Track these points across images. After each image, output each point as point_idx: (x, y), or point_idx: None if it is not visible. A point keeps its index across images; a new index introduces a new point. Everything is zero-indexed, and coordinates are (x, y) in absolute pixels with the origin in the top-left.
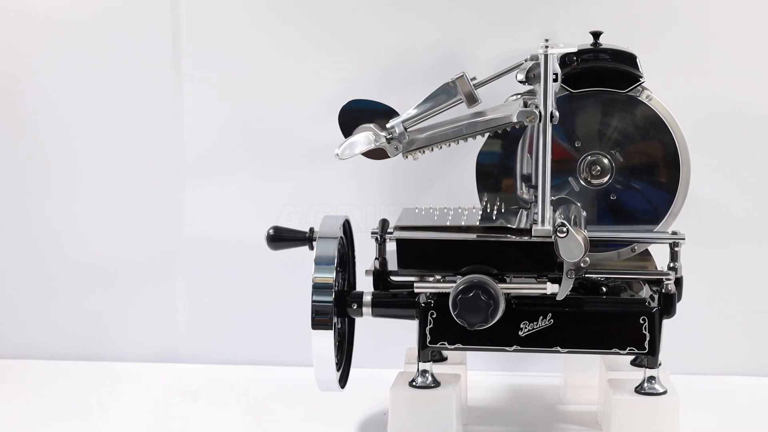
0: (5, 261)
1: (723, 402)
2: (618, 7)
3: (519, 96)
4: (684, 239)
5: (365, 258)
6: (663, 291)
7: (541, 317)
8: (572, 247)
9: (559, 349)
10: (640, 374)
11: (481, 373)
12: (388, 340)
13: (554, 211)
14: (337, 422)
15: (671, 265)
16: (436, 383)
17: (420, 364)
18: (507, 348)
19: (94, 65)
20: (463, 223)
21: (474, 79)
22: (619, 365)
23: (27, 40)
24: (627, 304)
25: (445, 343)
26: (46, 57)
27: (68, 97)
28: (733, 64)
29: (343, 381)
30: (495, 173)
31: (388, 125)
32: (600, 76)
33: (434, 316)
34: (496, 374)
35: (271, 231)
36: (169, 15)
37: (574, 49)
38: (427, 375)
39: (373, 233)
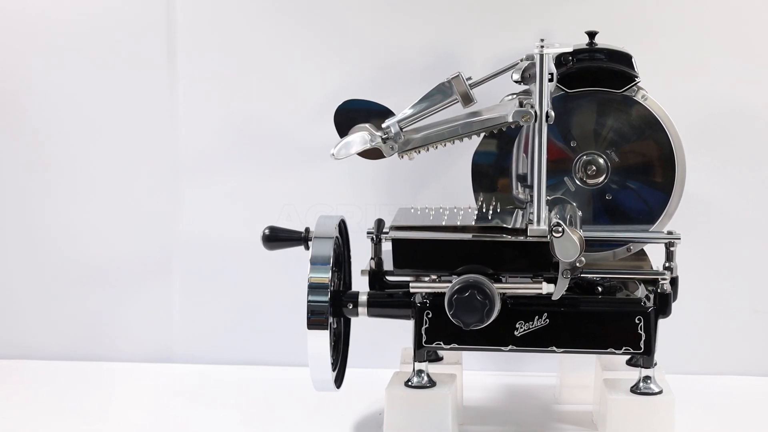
0: (0, 261)
1: (718, 402)
2: (613, 7)
3: (515, 96)
4: (679, 239)
5: (361, 258)
6: (658, 291)
7: (537, 317)
8: (568, 247)
9: (554, 348)
10: (635, 374)
11: (477, 373)
12: (383, 340)
13: (550, 210)
14: (332, 422)
15: (667, 264)
16: (431, 383)
17: (416, 363)
18: (503, 348)
19: (89, 65)
20: (458, 223)
21: (470, 78)
22: (615, 365)
23: (23, 39)
24: (622, 303)
25: (441, 342)
26: (42, 57)
27: (64, 97)
28: (728, 64)
29: (338, 381)
30: (491, 173)
31: (383, 125)
32: (595, 75)
33: (430, 315)
34: (492, 374)
35: (266, 231)
36: (164, 15)
37: (570, 49)
38: (422, 375)
39: (368, 233)
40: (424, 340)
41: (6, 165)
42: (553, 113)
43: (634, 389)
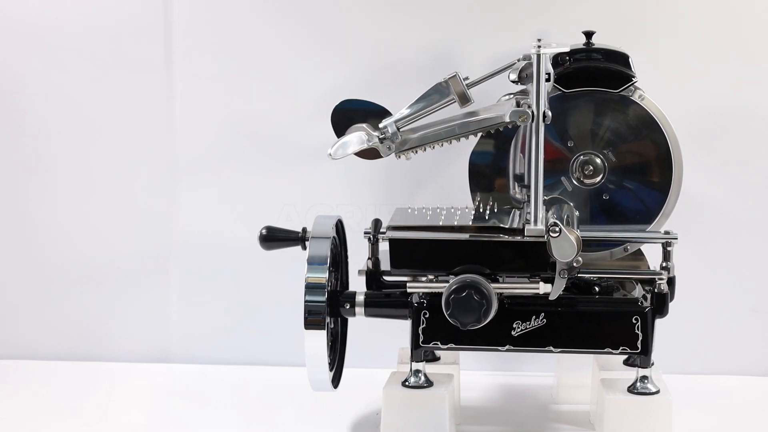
0: None
1: (716, 401)
2: (610, 6)
3: (512, 96)
4: (676, 239)
5: (358, 258)
6: (655, 290)
7: (534, 317)
8: (565, 247)
9: (551, 348)
10: (632, 374)
11: (474, 373)
12: (380, 340)
13: (547, 210)
14: (329, 422)
15: (664, 264)
16: (428, 383)
17: (413, 363)
18: (500, 348)
19: (87, 65)
20: (455, 223)
21: (467, 78)
22: (612, 365)
23: (21, 40)
24: (619, 303)
25: (438, 342)
26: (39, 57)
27: (61, 98)
28: (725, 64)
29: (335, 381)
30: (488, 173)
31: (380, 125)
32: (592, 75)
33: (427, 315)
34: (489, 374)
35: (263, 231)
36: (161, 15)
37: (567, 49)
38: (419, 375)
39: (365, 233)
40: (421, 340)
41: (3, 165)
42: (550, 113)
43: (632, 389)
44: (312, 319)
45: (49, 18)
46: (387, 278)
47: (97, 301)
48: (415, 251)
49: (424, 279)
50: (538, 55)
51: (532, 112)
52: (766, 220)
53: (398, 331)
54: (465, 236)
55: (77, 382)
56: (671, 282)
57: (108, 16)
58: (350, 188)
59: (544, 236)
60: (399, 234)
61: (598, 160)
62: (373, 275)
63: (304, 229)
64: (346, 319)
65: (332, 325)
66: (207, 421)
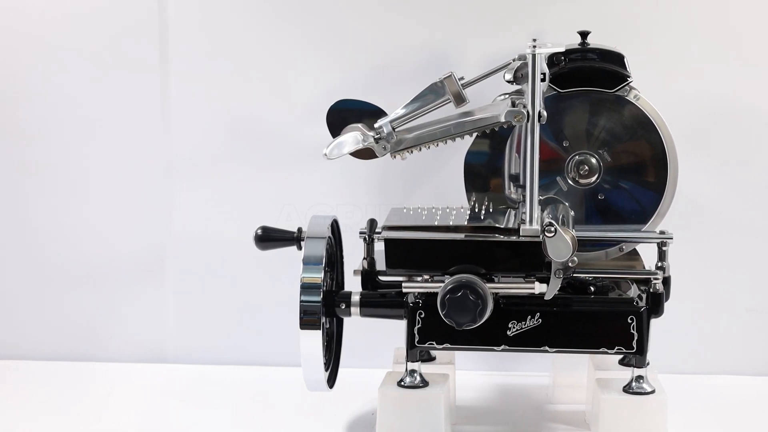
0: None
1: (711, 401)
2: (606, 6)
3: (507, 96)
4: (672, 239)
5: (354, 258)
6: (651, 290)
7: (530, 317)
8: (560, 247)
9: (547, 348)
10: (628, 373)
11: (470, 373)
12: (376, 340)
13: (542, 210)
14: (325, 422)
15: (659, 264)
16: (424, 383)
17: (408, 363)
18: (495, 348)
19: (82, 65)
20: (451, 223)
21: (462, 78)
22: (608, 365)
23: (17, 39)
24: (615, 303)
25: (434, 342)
26: (34, 57)
27: (56, 98)
28: (721, 64)
29: (331, 381)
30: (483, 173)
31: (376, 125)
32: (588, 75)
33: (422, 315)
34: (485, 374)
35: (259, 231)
36: (156, 15)
37: (562, 49)
38: (415, 375)
39: (361, 233)
40: (416, 340)
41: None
42: (545, 113)
43: (627, 389)
44: (307, 319)
45: (44, 18)
46: (382, 278)
47: (93, 302)
48: (410, 251)
49: (419, 279)
50: (534, 55)
51: (528, 112)
52: (762, 219)
53: (394, 331)
54: (460, 236)
55: (73, 382)
56: (666, 282)
57: (103, 16)
58: (346, 188)
59: (539, 236)
60: (394, 234)
61: (594, 160)
62: (368, 275)
63: (300, 229)
64: (342, 319)
65: (328, 325)
66: (203, 421)
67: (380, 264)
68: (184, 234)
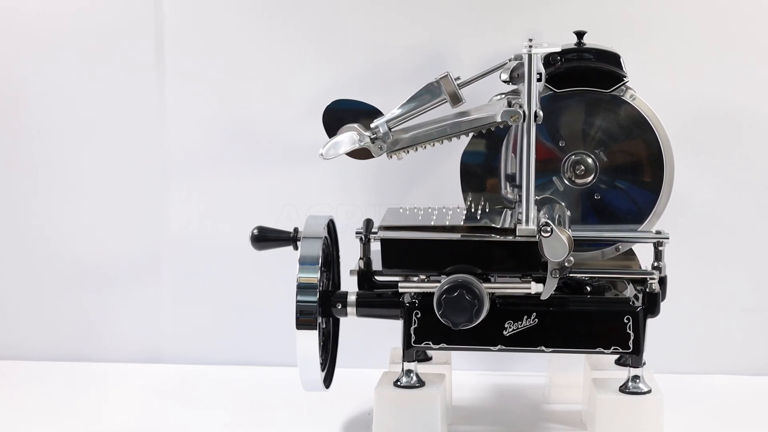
0: None
1: (707, 401)
2: (602, 6)
3: (503, 96)
4: (668, 239)
5: (350, 258)
6: (647, 290)
7: (526, 317)
8: (556, 247)
9: (543, 348)
10: (624, 373)
11: (466, 373)
12: (372, 340)
13: (538, 210)
14: (321, 422)
15: (655, 264)
16: (420, 383)
17: (405, 363)
18: (492, 348)
19: (77, 65)
20: (447, 223)
21: (458, 78)
22: (604, 364)
23: (14, 39)
24: (611, 303)
25: (430, 342)
26: (29, 56)
27: (51, 98)
28: (716, 64)
29: (327, 381)
30: (479, 173)
31: (372, 125)
32: (584, 75)
33: (419, 315)
34: (481, 374)
35: (255, 231)
36: (152, 16)
37: (558, 49)
38: (411, 375)
39: (357, 233)
40: (413, 339)
41: None
42: (541, 113)
43: (623, 389)
44: (304, 319)
45: (39, 17)
46: (379, 278)
47: (88, 302)
48: (406, 251)
49: (415, 279)
50: (530, 55)
51: (524, 111)
52: (757, 219)
53: (390, 331)
54: (456, 236)
55: (69, 382)
56: (663, 282)
57: (98, 17)
58: (342, 188)
59: (535, 236)
60: (391, 234)
61: (590, 160)
62: (364, 275)
63: (296, 229)
64: (338, 319)
65: (324, 325)
66: (198, 422)
67: (376, 264)
68: (179, 234)
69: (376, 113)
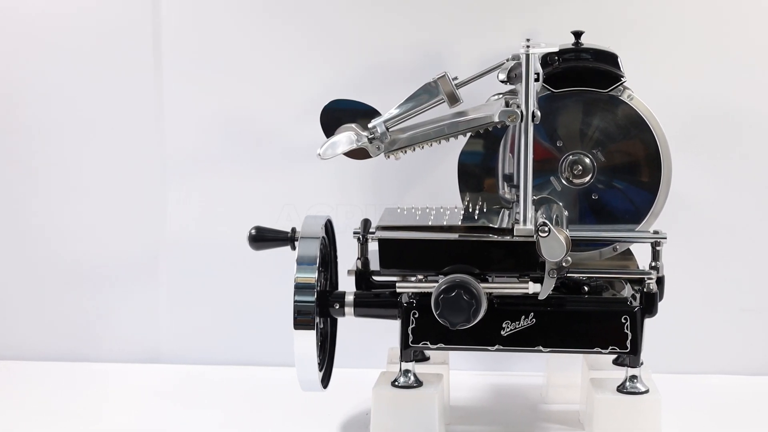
0: None
1: (705, 401)
2: (599, 6)
3: (501, 96)
4: (665, 238)
5: (348, 258)
6: (645, 290)
7: (523, 317)
8: (554, 247)
9: (541, 348)
10: (622, 373)
11: (464, 373)
12: (370, 340)
13: (536, 210)
14: (319, 422)
15: (653, 264)
16: (418, 383)
17: (402, 363)
18: (489, 347)
19: (75, 66)
20: (445, 223)
21: (456, 78)
22: (602, 364)
23: (8, 38)
24: (609, 303)
25: (428, 342)
26: (27, 56)
27: (49, 99)
28: (714, 64)
29: (325, 381)
30: (477, 173)
31: (369, 125)
32: (581, 75)
33: (416, 315)
34: (479, 374)
35: (253, 231)
36: (150, 16)
37: (556, 49)
38: (409, 375)
39: (355, 233)
40: (410, 339)
41: None
42: (539, 113)
43: (621, 388)
44: (301, 319)
45: (37, 17)
46: (376, 278)
47: (87, 302)
48: (404, 251)
49: (413, 279)
50: (527, 55)
51: (521, 111)
52: (756, 219)
53: (388, 331)
54: (454, 236)
55: (68, 382)
56: (660, 281)
57: (96, 17)
58: (340, 188)
59: (533, 236)
60: (388, 234)
61: (587, 160)
62: (362, 275)
63: (294, 230)
64: (336, 319)
65: (322, 325)
66: (197, 421)
67: (374, 264)
68: (178, 234)
69: (373, 113)
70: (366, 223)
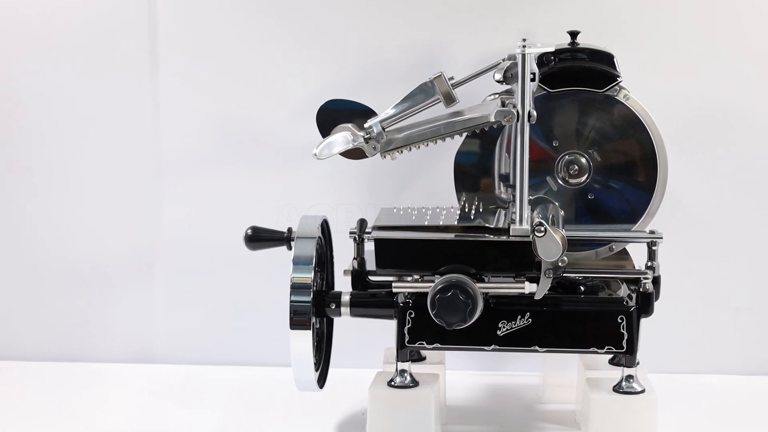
0: None
1: (701, 401)
2: (595, 6)
3: (497, 95)
4: (661, 238)
5: (344, 258)
6: (641, 290)
7: (520, 317)
8: (550, 247)
9: (537, 348)
10: (618, 373)
11: (460, 373)
12: (366, 340)
13: (532, 210)
14: (315, 422)
15: (649, 264)
16: (414, 383)
17: (398, 363)
18: (485, 347)
19: (70, 65)
20: (441, 223)
21: (452, 78)
22: (598, 364)
23: (3, 37)
24: (605, 303)
25: (424, 342)
26: (22, 56)
27: (45, 99)
28: (710, 64)
29: (321, 381)
30: (473, 173)
31: (366, 125)
32: (577, 75)
33: (412, 315)
34: (475, 374)
35: (249, 231)
36: (145, 16)
37: (552, 49)
38: (405, 375)
39: (351, 233)
40: (406, 339)
41: None
42: (535, 113)
43: (617, 388)
44: (297, 319)
45: (33, 17)
46: (372, 278)
47: (83, 302)
48: (400, 251)
49: (409, 279)
50: (523, 55)
51: (517, 111)
52: (752, 218)
53: (384, 331)
54: (450, 236)
55: (63, 382)
56: (656, 281)
57: (91, 16)
58: (336, 188)
59: (529, 236)
60: (384, 234)
61: (584, 160)
62: (358, 275)
63: (290, 230)
64: (332, 319)
65: (318, 325)
66: (193, 422)
67: (370, 264)
68: (174, 234)
69: (369, 113)
70: (362, 223)
